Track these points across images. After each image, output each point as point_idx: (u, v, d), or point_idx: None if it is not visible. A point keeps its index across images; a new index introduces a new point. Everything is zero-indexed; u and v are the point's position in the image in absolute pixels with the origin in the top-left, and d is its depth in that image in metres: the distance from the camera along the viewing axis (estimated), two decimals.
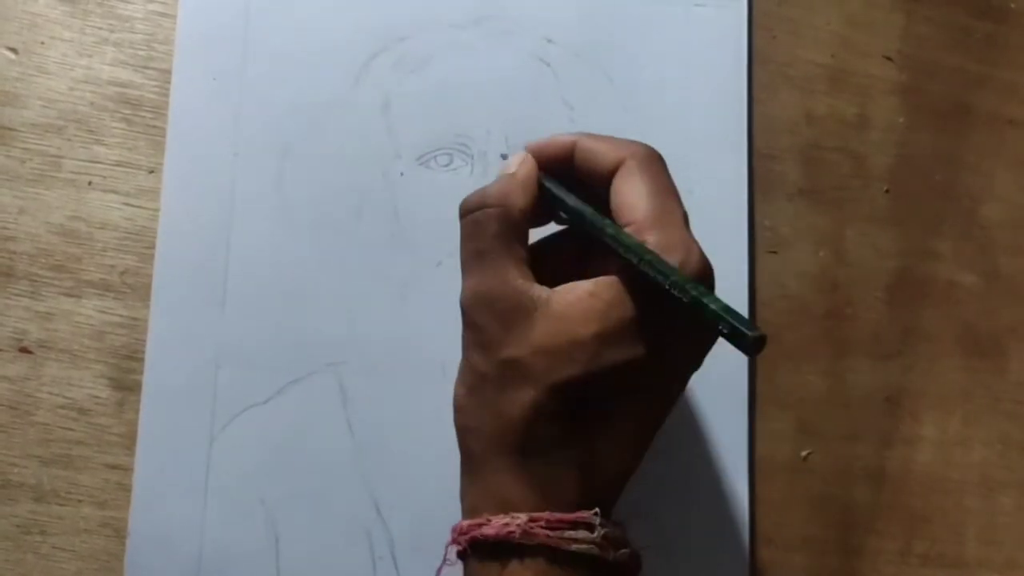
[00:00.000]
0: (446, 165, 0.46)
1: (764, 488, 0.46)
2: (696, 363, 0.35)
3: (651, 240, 0.33)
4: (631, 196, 0.34)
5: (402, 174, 0.45)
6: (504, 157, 0.40)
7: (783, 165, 0.49)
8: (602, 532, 0.33)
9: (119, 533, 0.42)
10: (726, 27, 0.49)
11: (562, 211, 0.37)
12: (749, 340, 0.30)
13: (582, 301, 0.33)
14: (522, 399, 0.33)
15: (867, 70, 0.51)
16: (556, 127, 0.46)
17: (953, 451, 0.49)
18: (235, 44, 0.45)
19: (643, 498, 0.44)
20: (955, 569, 0.47)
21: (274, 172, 0.45)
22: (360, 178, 0.45)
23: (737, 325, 0.30)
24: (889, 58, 0.51)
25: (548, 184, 0.37)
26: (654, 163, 0.35)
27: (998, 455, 0.49)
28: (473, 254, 0.35)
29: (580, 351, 0.32)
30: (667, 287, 0.32)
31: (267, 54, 0.45)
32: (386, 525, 0.43)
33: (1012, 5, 0.53)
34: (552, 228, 0.39)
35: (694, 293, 0.31)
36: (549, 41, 0.48)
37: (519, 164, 0.37)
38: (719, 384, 0.46)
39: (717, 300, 0.31)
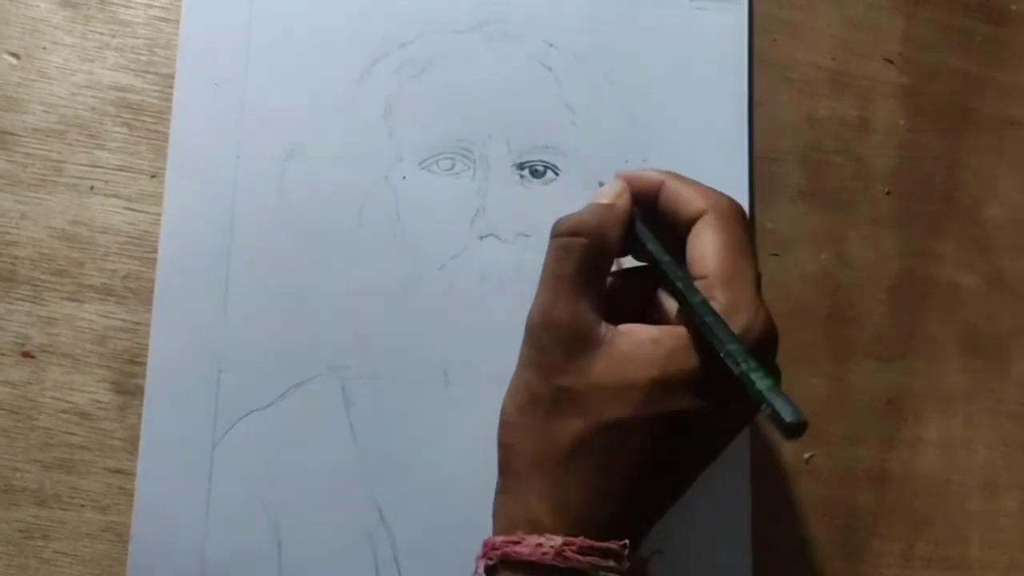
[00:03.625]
0: (448, 169, 0.46)
1: (766, 491, 0.46)
2: (745, 423, 0.36)
3: (719, 298, 0.34)
4: (707, 249, 0.35)
5: (404, 178, 0.45)
6: (601, 184, 0.41)
7: (784, 167, 0.49)
8: (628, 565, 0.33)
9: (121, 538, 0.42)
10: (727, 30, 0.49)
11: (641, 252, 0.37)
12: (786, 425, 0.30)
13: (644, 346, 0.34)
14: (570, 428, 0.34)
15: (868, 72, 0.51)
16: (558, 131, 0.47)
17: (956, 453, 0.48)
18: (237, 49, 0.45)
19: None
20: (958, 571, 0.47)
21: (276, 176, 0.45)
22: (362, 182, 0.45)
23: (778, 409, 0.30)
24: (890, 60, 0.51)
25: (637, 222, 0.37)
26: (734, 218, 0.36)
27: (1001, 457, 0.49)
28: (554, 276, 0.36)
29: (634, 394, 0.33)
30: (721, 355, 0.32)
31: (269, 59, 0.46)
32: (389, 529, 0.43)
33: (1013, 7, 0.53)
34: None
35: (744, 367, 0.31)
36: (550, 45, 0.48)
37: (616, 197, 0.37)
38: None
39: (766, 379, 0.31)
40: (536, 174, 0.46)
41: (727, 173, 0.48)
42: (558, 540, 0.33)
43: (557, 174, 0.46)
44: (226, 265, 0.44)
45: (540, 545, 0.33)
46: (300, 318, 0.44)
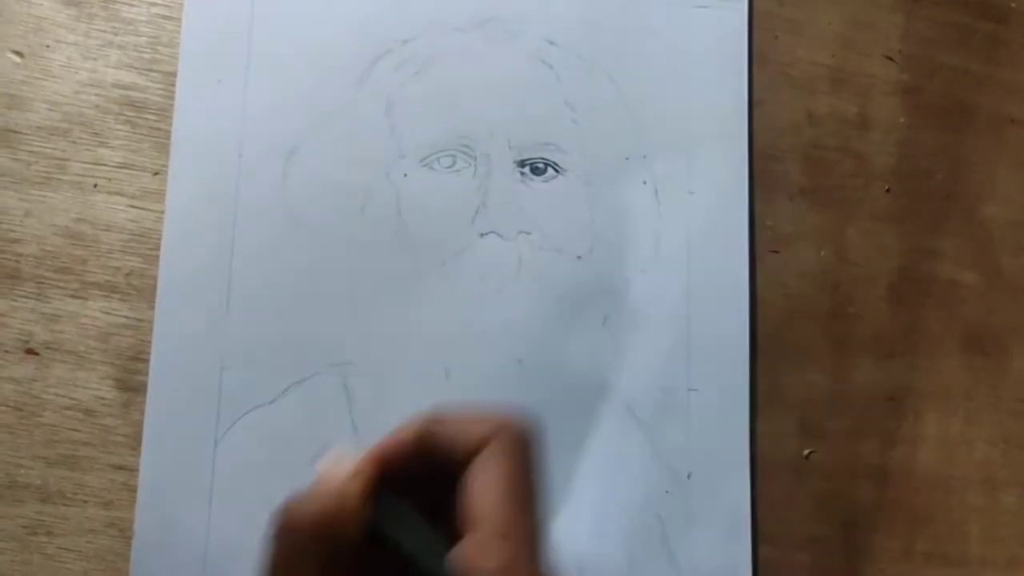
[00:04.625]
0: (449, 167, 0.46)
1: (767, 487, 0.46)
2: None
3: (494, 561, 0.27)
4: (482, 494, 0.28)
5: (405, 176, 0.46)
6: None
7: (784, 165, 0.49)
8: None
9: (125, 533, 0.42)
10: (727, 28, 0.49)
11: (395, 545, 0.29)
12: None
13: None
14: None
15: (868, 70, 0.51)
16: (558, 128, 0.47)
17: (956, 450, 0.49)
18: (239, 47, 0.46)
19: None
20: (958, 567, 0.48)
21: (278, 174, 0.45)
22: (364, 180, 0.45)
23: None
24: (890, 58, 0.51)
25: (384, 505, 0.29)
26: (521, 449, 0.29)
27: (1001, 453, 0.49)
28: None
29: None
30: None
31: (271, 57, 0.46)
32: None
33: (1013, 5, 0.53)
34: None
35: None
36: (551, 43, 0.48)
37: (350, 474, 0.29)
38: (721, 384, 0.46)
39: None
40: (537, 171, 0.46)
41: (727, 170, 0.48)
42: None
43: (558, 171, 0.46)
44: (228, 262, 0.44)
45: None
46: (302, 315, 0.44)
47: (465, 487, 0.29)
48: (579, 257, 0.46)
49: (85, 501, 0.42)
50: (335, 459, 0.30)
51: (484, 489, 0.28)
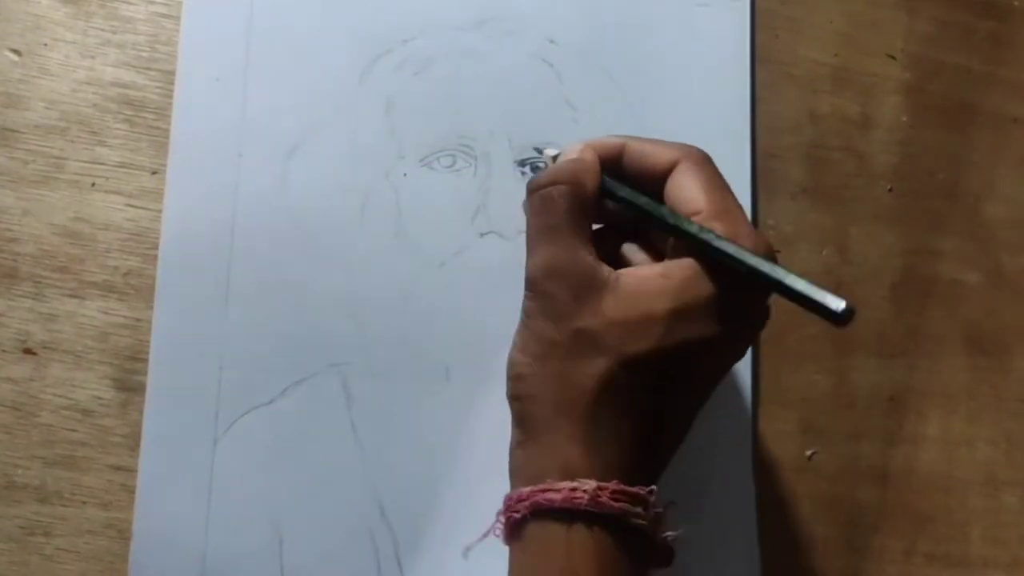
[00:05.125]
0: (449, 166, 0.46)
1: (769, 488, 0.46)
2: (750, 341, 0.38)
3: (719, 229, 0.34)
4: (691, 191, 0.35)
5: (405, 175, 0.45)
6: (538, 150, 0.42)
7: (786, 164, 0.49)
8: (654, 511, 0.33)
9: (123, 534, 0.42)
10: (729, 26, 0.49)
11: (625, 204, 0.37)
12: (839, 315, 0.31)
13: (653, 280, 0.34)
14: (594, 369, 0.34)
15: (870, 69, 0.51)
16: (559, 128, 0.46)
17: (958, 450, 0.48)
18: (238, 45, 0.45)
19: None
20: (960, 568, 0.47)
21: (277, 173, 0.45)
22: (363, 179, 0.45)
23: (826, 304, 0.32)
24: (892, 57, 0.51)
25: (606, 178, 0.38)
26: (708, 162, 0.37)
27: (1003, 454, 0.49)
28: (543, 229, 0.36)
29: (654, 326, 0.34)
30: (744, 272, 0.33)
31: (270, 55, 0.45)
32: (390, 526, 0.43)
33: (1016, 3, 0.53)
34: None
35: (776, 274, 0.33)
36: (552, 42, 0.47)
37: (582, 151, 0.38)
38: (723, 384, 0.45)
39: (800, 279, 0.33)
40: (537, 171, 0.46)
41: (729, 169, 0.47)
42: (592, 484, 0.32)
43: None
44: (227, 262, 0.44)
45: (574, 490, 0.32)
46: (301, 315, 0.44)
47: (674, 188, 0.36)
48: None
49: (83, 502, 0.42)
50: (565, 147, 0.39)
51: (692, 185, 0.35)
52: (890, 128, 0.50)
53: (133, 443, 0.42)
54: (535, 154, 0.46)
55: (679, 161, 0.36)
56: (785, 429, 0.47)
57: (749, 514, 0.45)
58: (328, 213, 0.45)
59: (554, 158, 0.40)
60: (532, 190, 0.37)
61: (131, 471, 0.42)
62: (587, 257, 0.35)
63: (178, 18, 0.45)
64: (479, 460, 0.43)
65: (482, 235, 0.45)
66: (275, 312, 0.44)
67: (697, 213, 0.35)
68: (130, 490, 0.42)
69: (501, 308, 0.45)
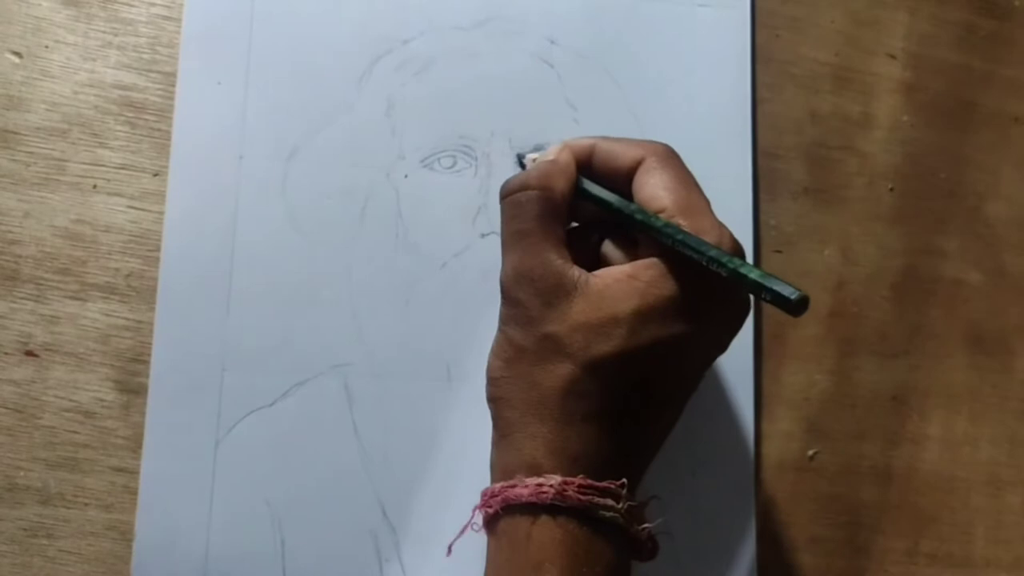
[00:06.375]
0: (450, 167, 0.46)
1: (771, 488, 0.46)
2: (732, 333, 0.37)
3: (684, 225, 0.35)
4: (657, 188, 0.36)
5: (406, 176, 0.45)
6: (520, 156, 0.43)
7: (788, 164, 0.49)
8: (627, 504, 0.34)
9: (125, 536, 0.42)
10: (730, 26, 0.49)
11: (597, 203, 0.38)
12: (792, 303, 0.32)
13: (620, 282, 0.35)
14: (559, 372, 0.34)
15: (871, 68, 0.51)
16: (560, 128, 0.46)
17: (960, 450, 0.48)
18: (239, 47, 0.45)
19: None
20: (963, 568, 0.47)
21: (279, 175, 0.45)
22: (364, 180, 0.45)
23: (778, 291, 0.32)
24: (893, 56, 0.51)
25: (581, 177, 0.38)
26: (673, 158, 0.37)
27: (1006, 454, 0.49)
28: (515, 234, 0.37)
29: (618, 328, 0.34)
30: (705, 263, 0.33)
31: (271, 57, 0.45)
32: (392, 527, 0.43)
33: (1016, 3, 0.53)
34: None
35: (732, 265, 0.33)
36: (552, 42, 0.47)
37: (558, 152, 0.38)
38: (725, 384, 0.46)
39: (755, 269, 0.33)
40: None
41: (730, 170, 0.47)
42: (557, 479, 0.33)
43: None
44: (229, 263, 0.44)
45: (540, 486, 0.33)
46: (303, 316, 0.44)
47: (640, 185, 0.36)
48: None
49: (85, 503, 0.42)
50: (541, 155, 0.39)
51: (657, 183, 0.36)
52: (891, 128, 0.50)
53: (135, 445, 0.42)
54: (537, 154, 0.46)
55: (644, 159, 0.37)
56: (787, 429, 0.47)
57: (749, 514, 0.45)
58: (329, 214, 0.45)
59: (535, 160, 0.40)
60: (503, 196, 0.38)
61: (133, 473, 0.42)
62: (556, 261, 0.35)
63: (179, 20, 0.45)
64: (480, 460, 0.43)
65: (483, 236, 0.45)
66: (277, 314, 0.44)
67: (663, 210, 0.35)
68: (132, 492, 0.42)
69: None
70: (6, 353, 0.42)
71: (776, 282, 0.32)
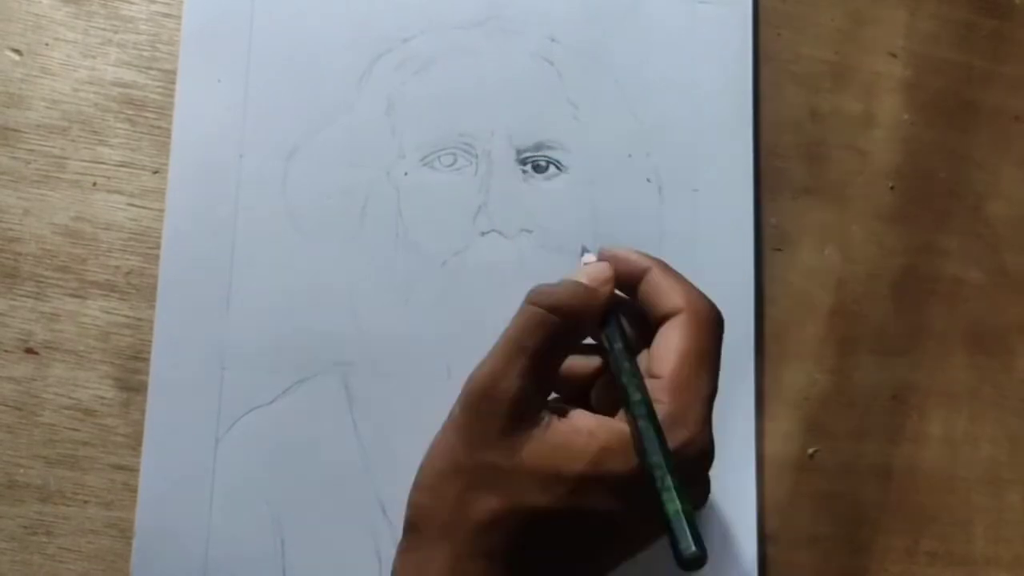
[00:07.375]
0: (450, 165, 0.46)
1: (771, 486, 0.46)
2: (658, 537, 0.34)
3: (665, 405, 0.33)
4: (669, 351, 0.34)
5: (406, 174, 0.45)
6: (585, 251, 0.40)
7: (788, 162, 0.49)
8: None
9: (125, 534, 0.42)
10: (731, 25, 0.49)
11: (603, 337, 0.36)
12: (684, 557, 0.29)
13: (580, 437, 0.33)
14: (487, 505, 0.33)
15: (872, 67, 0.51)
16: (560, 126, 0.46)
17: (960, 448, 0.48)
18: (240, 45, 0.45)
19: None
20: (963, 567, 0.47)
21: (279, 173, 0.45)
22: (364, 179, 0.45)
23: (678, 537, 0.30)
24: (894, 54, 0.51)
25: (611, 317, 0.36)
26: (709, 326, 0.35)
27: (1006, 452, 0.49)
28: (516, 345, 0.34)
29: (558, 486, 0.32)
30: (645, 463, 0.32)
31: (272, 56, 0.45)
32: (392, 526, 0.43)
33: (1017, 1, 0.53)
34: None
35: (659, 484, 0.31)
36: (553, 40, 0.47)
37: (601, 283, 0.36)
38: (726, 382, 0.45)
39: (676, 502, 0.30)
40: (539, 169, 0.46)
41: (731, 168, 0.47)
42: None
43: (560, 169, 0.46)
44: (229, 261, 0.44)
45: None
46: (303, 315, 0.44)
47: (658, 339, 0.35)
48: None
49: (85, 501, 0.42)
50: (594, 264, 0.37)
51: (671, 346, 0.34)
52: (892, 126, 0.50)
53: (135, 442, 0.42)
54: (537, 153, 0.46)
55: (681, 311, 0.35)
56: (787, 428, 0.47)
57: (750, 514, 0.45)
58: (329, 212, 0.45)
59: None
60: (531, 300, 0.35)
61: (133, 470, 0.42)
62: (534, 394, 0.34)
63: (179, 17, 0.45)
64: None
65: (483, 234, 0.45)
66: (276, 311, 0.44)
67: (659, 377, 0.34)
68: (132, 489, 0.42)
69: (503, 307, 0.44)
70: (6, 351, 0.42)
71: (684, 528, 0.30)
